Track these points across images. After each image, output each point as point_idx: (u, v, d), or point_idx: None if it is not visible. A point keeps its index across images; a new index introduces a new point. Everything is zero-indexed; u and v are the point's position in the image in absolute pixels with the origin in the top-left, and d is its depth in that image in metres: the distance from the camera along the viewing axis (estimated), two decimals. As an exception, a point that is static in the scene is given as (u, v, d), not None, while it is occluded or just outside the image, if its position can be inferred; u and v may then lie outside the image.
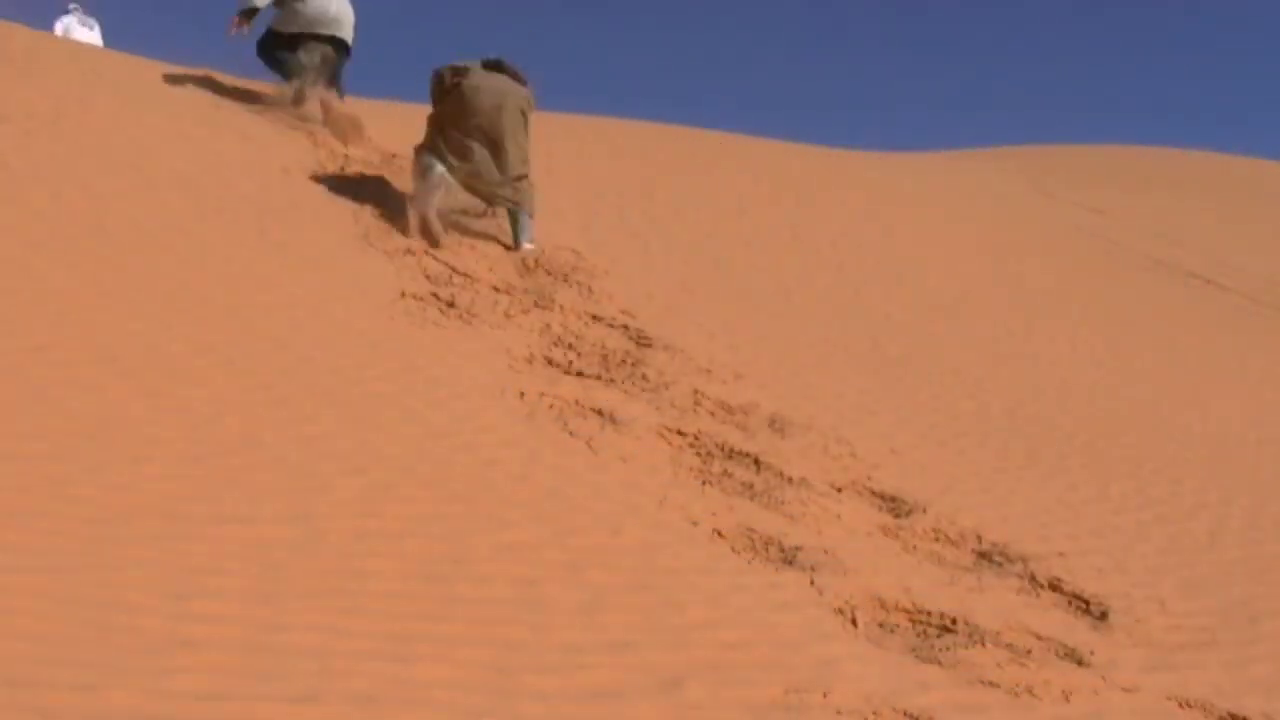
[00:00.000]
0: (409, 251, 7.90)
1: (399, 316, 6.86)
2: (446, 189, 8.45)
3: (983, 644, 4.63)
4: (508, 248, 8.49)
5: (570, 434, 5.79)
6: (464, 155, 8.49)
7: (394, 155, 9.50)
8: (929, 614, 4.81)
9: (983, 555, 5.56)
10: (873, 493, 5.99)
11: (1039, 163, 19.87)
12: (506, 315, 7.27)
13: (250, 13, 9.75)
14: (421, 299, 7.19)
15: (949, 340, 9.25)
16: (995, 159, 20.24)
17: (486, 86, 8.63)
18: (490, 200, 8.73)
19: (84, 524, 4.04)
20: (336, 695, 3.40)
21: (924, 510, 5.88)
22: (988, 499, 6.28)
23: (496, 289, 7.67)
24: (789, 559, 5.00)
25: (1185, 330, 11.43)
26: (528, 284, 7.89)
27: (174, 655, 3.43)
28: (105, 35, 13.85)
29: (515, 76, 8.82)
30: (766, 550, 5.05)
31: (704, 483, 5.62)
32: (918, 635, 4.67)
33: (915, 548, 5.50)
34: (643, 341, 7.34)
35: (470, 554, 4.44)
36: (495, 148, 8.58)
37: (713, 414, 6.46)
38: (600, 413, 6.10)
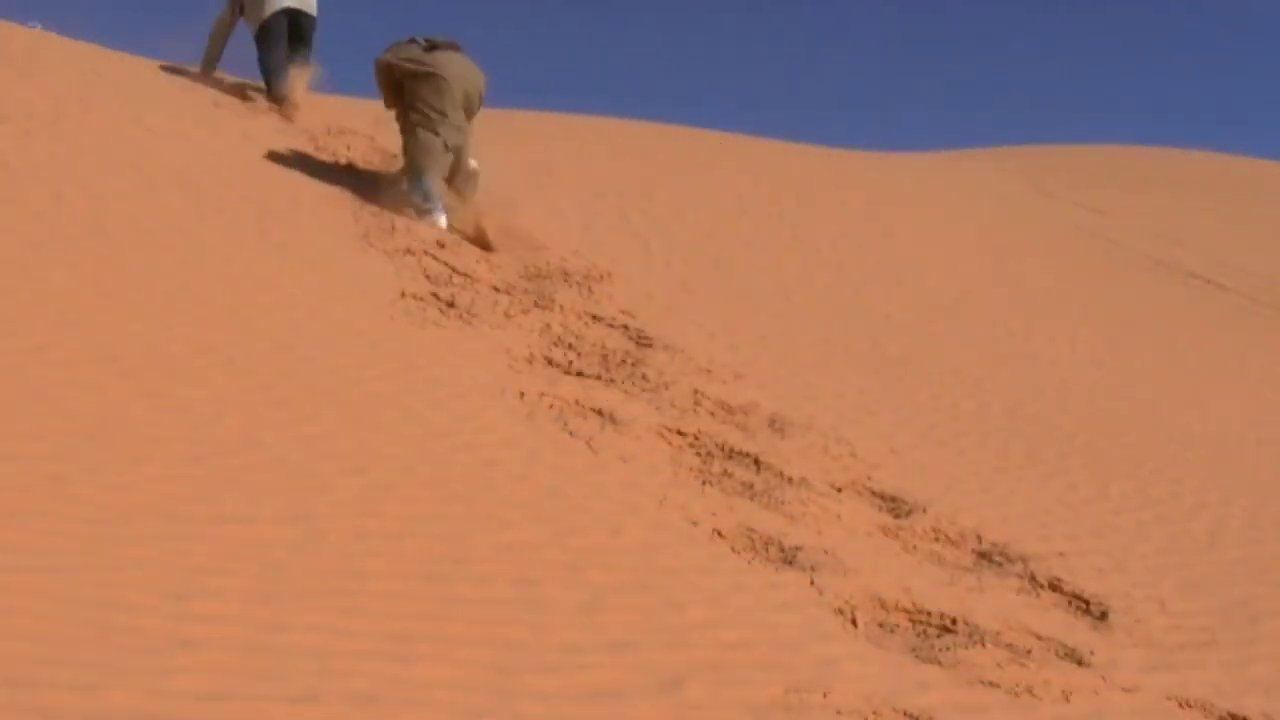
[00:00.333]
0: (409, 251, 7.90)
1: (399, 316, 6.86)
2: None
3: (983, 644, 4.63)
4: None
5: (570, 434, 5.79)
6: (453, 134, 8.67)
7: (395, 155, 9.51)
8: (929, 614, 4.81)
9: (983, 555, 5.56)
10: (873, 493, 5.99)
11: (1039, 163, 19.87)
12: (506, 315, 7.27)
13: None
14: (421, 299, 7.19)
15: (949, 340, 9.25)
16: (995, 159, 20.24)
17: (457, 71, 8.76)
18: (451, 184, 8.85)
19: (84, 524, 4.04)
20: (336, 695, 3.40)
21: (924, 510, 5.88)
22: (988, 499, 6.28)
23: (496, 289, 7.67)
24: (789, 559, 5.00)
25: (1185, 330, 11.44)
26: (528, 284, 7.89)
27: (174, 655, 3.43)
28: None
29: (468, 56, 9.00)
30: (766, 550, 5.05)
31: (704, 483, 5.62)
32: (918, 635, 4.67)
33: (915, 548, 5.50)
34: (643, 341, 7.34)
35: (470, 554, 4.44)
36: (465, 132, 8.77)
37: (713, 414, 6.46)
38: (600, 413, 6.10)
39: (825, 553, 5.10)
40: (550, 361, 6.70)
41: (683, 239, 10.05)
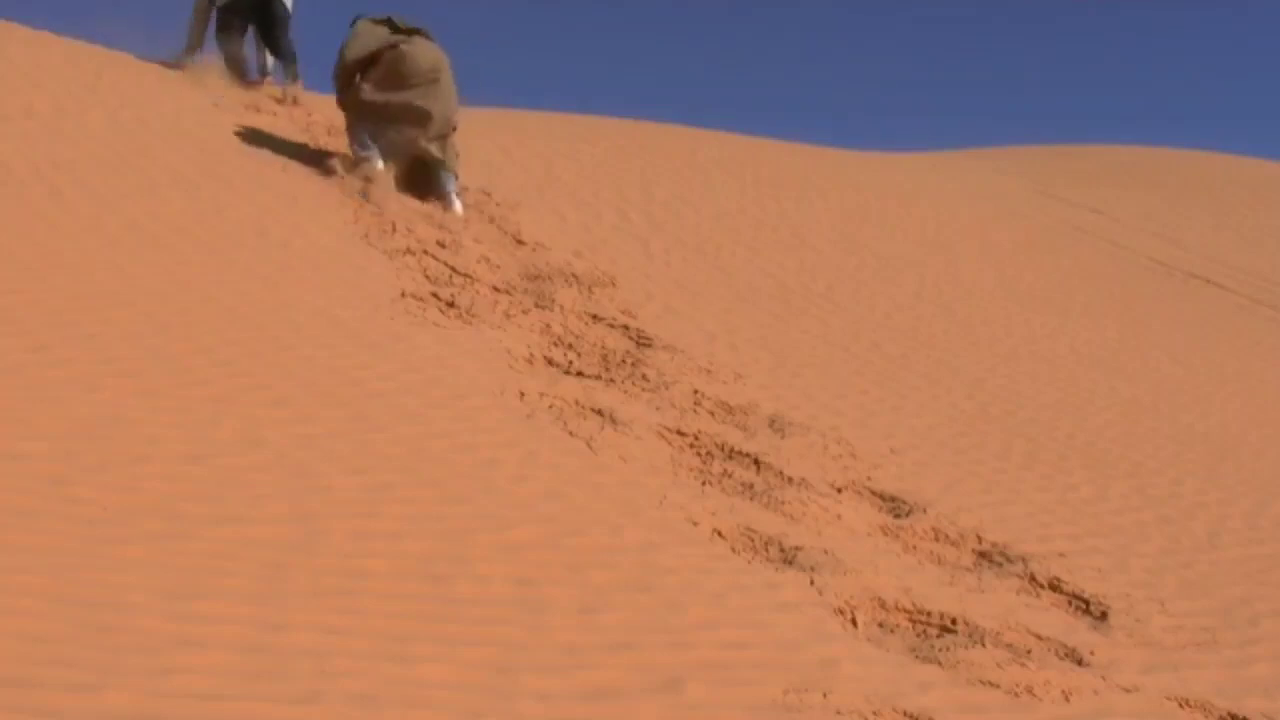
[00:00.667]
0: (409, 251, 7.90)
1: (399, 316, 6.86)
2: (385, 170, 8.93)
3: (983, 644, 4.63)
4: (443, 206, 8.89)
5: (570, 434, 5.79)
6: (394, 123, 8.90)
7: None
8: (929, 614, 4.81)
9: (983, 555, 5.56)
10: (873, 493, 5.99)
11: (1039, 163, 19.87)
12: (506, 315, 7.27)
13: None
14: (421, 299, 7.19)
15: (949, 340, 9.25)
16: (995, 159, 20.23)
17: (413, 54, 9.03)
18: (418, 155, 9.07)
19: (84, 524, 4.04)
20: (336, 695, 3.40)
21: (924, 510, 5.88)
22: (988, 499, 6.28)
23: (496, 289, 7.67)
24: (789, 559, 5.00)
25: (1185, 330, 11.43)
26: (528, 284, 7.89)
27: (174, 655, 3.43)
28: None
29: (427, 36, 9.26)
30: (766, 550, 5.05)
31: (704, 483, 5.62)
32: (918, 635, 4.67)
33: (915, 548, 5.50)
34: (643, 341, 7.34)
35: (470, 554, 4.44)
36: (423, 114, 8.95)
37: (713, 414, 6.47)
38: (600, 413, 6.10)
39: (825, 553, 5.10)
40: (550, 361, 6.70)
41: (683, 239, 10.06)
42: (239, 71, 10.48)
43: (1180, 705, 4.55)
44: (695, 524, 5.16)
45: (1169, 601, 5.49)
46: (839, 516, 5.58)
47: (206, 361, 5.57)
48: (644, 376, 6.73)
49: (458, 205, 8.99)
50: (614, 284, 8.34)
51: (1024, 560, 5.53)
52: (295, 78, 10.49)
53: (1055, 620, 5.06)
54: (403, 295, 7.17)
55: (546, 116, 14.16)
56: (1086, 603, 5.28)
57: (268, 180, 8.61)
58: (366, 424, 5.34)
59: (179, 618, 3.62)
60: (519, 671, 3.76)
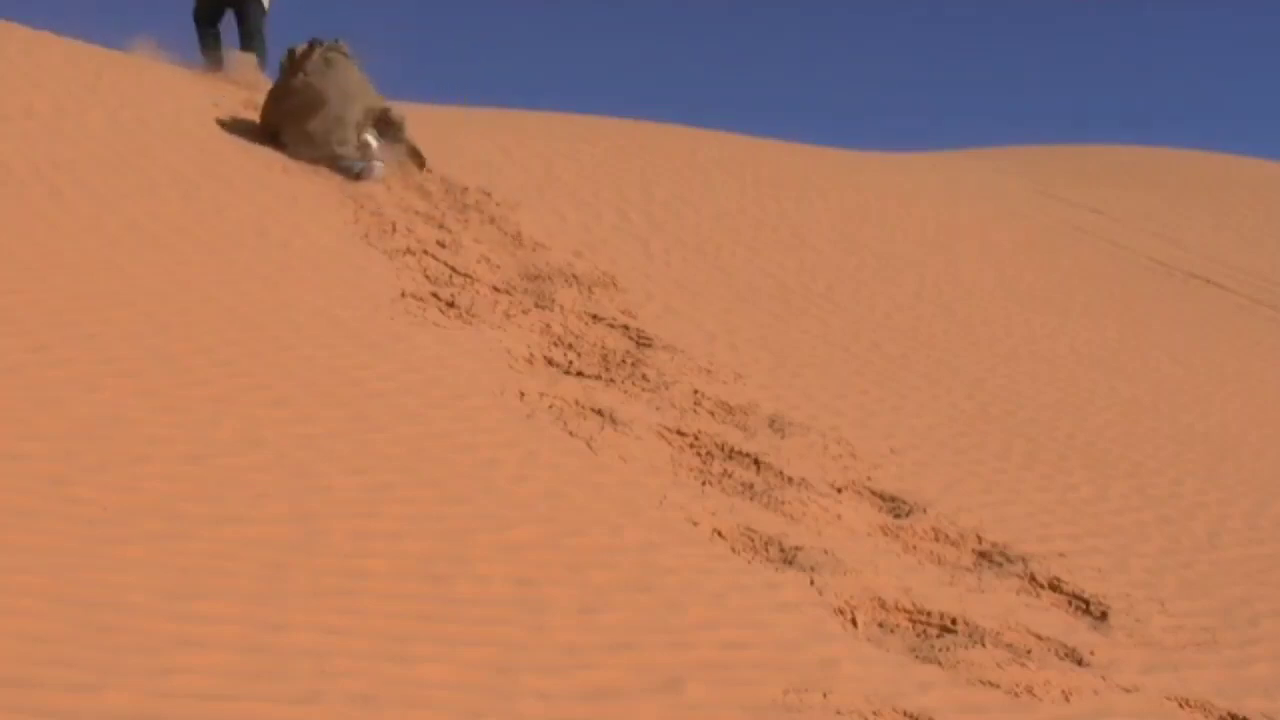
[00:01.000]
0: (409, 251, 7.91)
1: (399, 316, 6.86)
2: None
3: (983, 644, 4.63)
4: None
5: (570, 434, 5.79)
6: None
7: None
8: (929, 614, 4.81)
9: (983, 555, 5.56)
10: (873, 493, 5.99)
11: (1039, 163, 19.87)
12: (506, 315, 7.27)
13: None
14: (421, 299, 7.19)
15: (949, 340, 9.25)
16: (995, 159, 20.23)
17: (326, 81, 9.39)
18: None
19: (84, 524, 4.04)
20: (336, 695, 3.40)
21: (924, 510, 5.88)
22: (988, 499, 6.28)
23: (496, 289, 7.67)
24: (789, 559, 5.00)
25: (1185, 330, 11.44)
26: (528, 284, 7.89)
27: (174, 655, 3.43)
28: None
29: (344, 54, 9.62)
30: (766, 550, 5.05)
31: (704, 483, 5.62)
32: (918, 635, 4.67)
33: (915, 548, 5.50)
34: (643, 341, 7.34)
35: (470, 554, 4.44)
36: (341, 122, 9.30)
37: (713, 414, 6.47)
38: (600, 413, 6.10)
39: (825, 553, 5.10)
40: (550, 361, 6.70)
41: (683, 239, 10.06)
42: (215, 62, 10.63)
43: (1180, 705, 4.55)
44: (695, 524, 5.16)
45: (1169, 601, 5.49)
46: (839, 516, 5.58)
47: (206, 361, 5.57)
48: (644, 376, 6.73)
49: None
50: (614, 284, 8.34)
51: (1024, 560, 5.53)
52: (260, 68, 10.67)
53: (1055, 620, 5.06)
54: (403, 295, 7.17)
55: (546, 116, 14.17)
56: (1086, 603, 5.28)
57: (268, 180, 8.61)
58: (366, 424, 5.34)
59: (179, 618, 3.62)
60: (519, 671, 3.76)
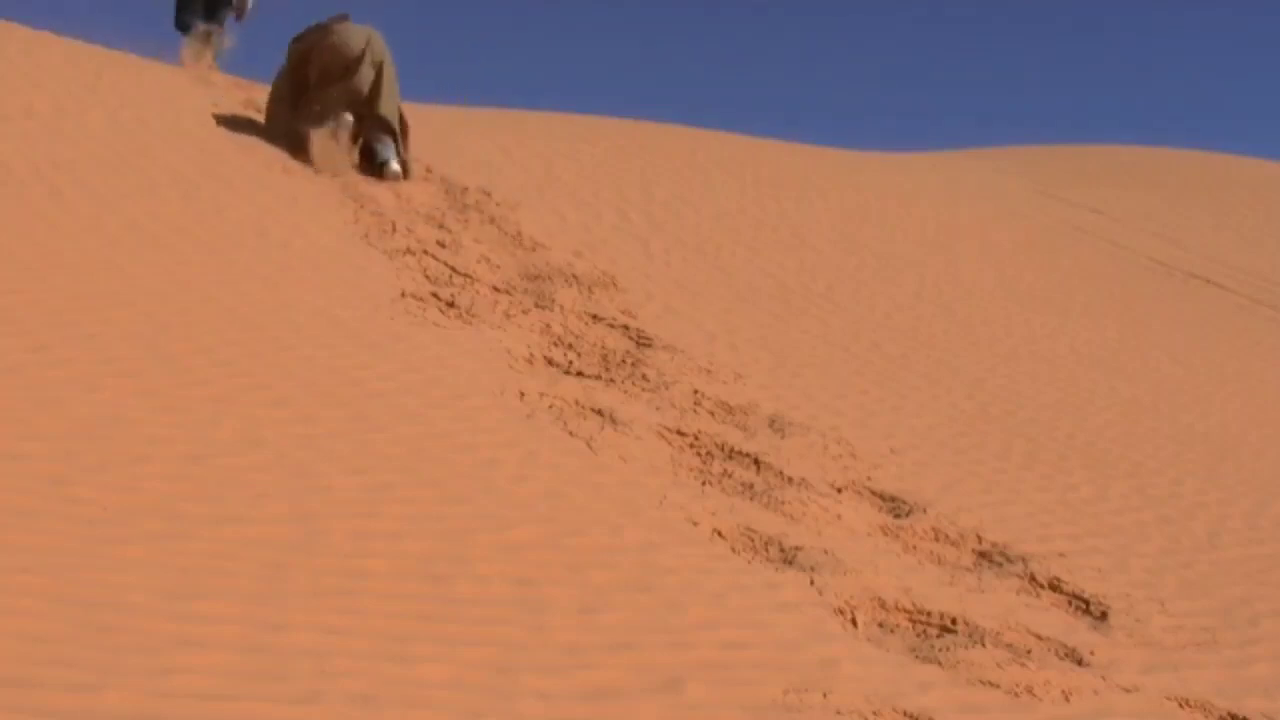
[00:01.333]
0: (409, 251, 7.91)
1: (399, 316, 6.86)
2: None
3: (983, 644, 4.63)
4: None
5: (570, 434, 5.79)
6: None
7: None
8: (929, 614, 4.80)
9: (983, 555, 5.56)
10: (873, 493, 5.99)
11: (1039, 163, 19.87)
12: (506, 315, 7.27)
13: None
14: (421, 299, 7.19)
15: (949, 340, 9.25)
16: (995, 159, 20.24)
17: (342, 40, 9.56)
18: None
19: (84, 524, 4.04)
20: (336, 695, 3.40)
21: (924, 510, 5.88)
22: (988, 499, 6.28)
23: (496, 289, 7.67)
24: (789, 559, 5.00)
25: (1185, 330, 11.44)
26: (528, 284, 7.89)
27: (174, 655, 3.43)
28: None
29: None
30: (766, 550, 5.05)
31: (704, 483, 5.62)
32: (918, 635, 4.67)
33: (915, 548, 5.50)
34: (643, 341, 7.34)
35: (470, 554, 4.44)
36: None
37: (713, 414, 6.47)
38: (600, 413, 6.10)
39: (825, 553, 5.10)
40: (550, 361, 6.70)
41: (683, 239, 10.06)
42: (196, 53, 10.71)
43: (1180, 705, 4.55)
44: (695, 524, 5.16)
45: (1169, 601, 5.49)
46: (839, 516, 5.58)
47: (206, 361, 5.57)
48: (644, 376, 6.73)
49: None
50: (614, 284, 8.34)
51: (1024, 560, 5.53)
52: (219, 46, 10.76)
53: (1055, 620, 5.06)
54: (403, 295, 7.17)
55: (546, 116, 14.18)
56: (1086, 603, 5.27)
57: (268, 180, 8.61)
58: (366, 424, 5.35)
59: (179, 618, 3.62)
60: (519, 671, 3.76)
